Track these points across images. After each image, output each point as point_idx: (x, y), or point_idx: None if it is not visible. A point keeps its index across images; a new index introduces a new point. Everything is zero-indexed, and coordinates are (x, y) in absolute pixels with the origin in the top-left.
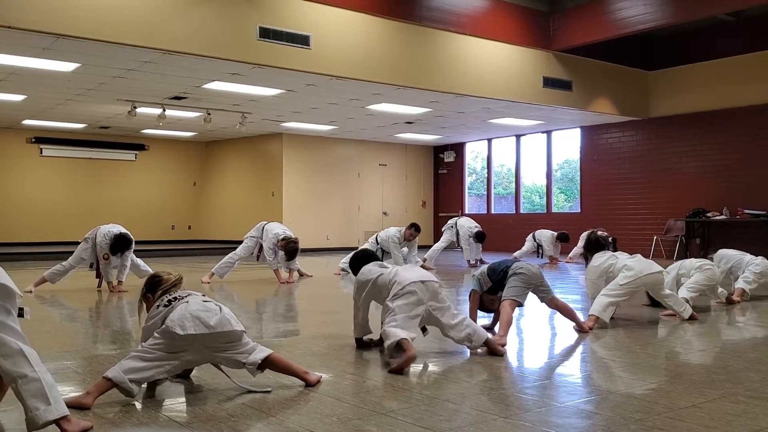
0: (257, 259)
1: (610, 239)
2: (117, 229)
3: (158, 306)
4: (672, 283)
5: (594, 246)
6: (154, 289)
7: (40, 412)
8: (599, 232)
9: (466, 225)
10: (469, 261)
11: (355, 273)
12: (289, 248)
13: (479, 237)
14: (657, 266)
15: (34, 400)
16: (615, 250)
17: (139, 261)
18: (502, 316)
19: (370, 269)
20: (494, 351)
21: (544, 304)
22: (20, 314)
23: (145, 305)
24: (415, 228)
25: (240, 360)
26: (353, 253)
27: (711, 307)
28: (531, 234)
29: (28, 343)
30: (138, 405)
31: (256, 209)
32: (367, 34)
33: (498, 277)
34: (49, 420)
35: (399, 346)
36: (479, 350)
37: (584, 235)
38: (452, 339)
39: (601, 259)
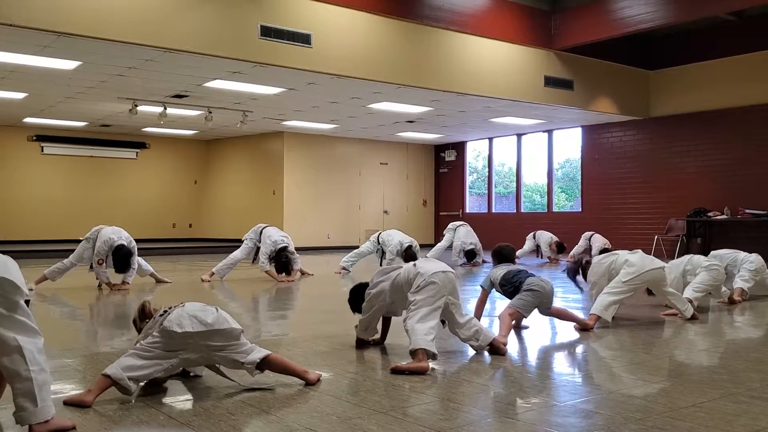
0: (253, 261)
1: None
2: (118, 236)
3: (154, 318)
4: (679, 278)
5: (583, 270)
6: (138, 326)
7: (26, 414)
8: (590, 255)
9: (462, 239)
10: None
11: (356, 309)
12: (280, 265)
13: (468, 256)
14: (658, 262)
15: (23, 399)
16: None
17: (141, 260)
18: (502, 321)
19: (380, 279)
20: (498, 350)
21: (541, 313)
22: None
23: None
24: (405, 256)
25: (238, 360)
26: (349, 291)
27: (712, 307)
28: (531, 233)
29: (36, 333)
30: (138, 403)
31: (257, 208)
32: (368, 33)
33: (509, 290)
34: (32, 422)
35: (415, 352)
36: (483, 350)
37: (586, 235)
38: (459, 336)
39: (600, 257)
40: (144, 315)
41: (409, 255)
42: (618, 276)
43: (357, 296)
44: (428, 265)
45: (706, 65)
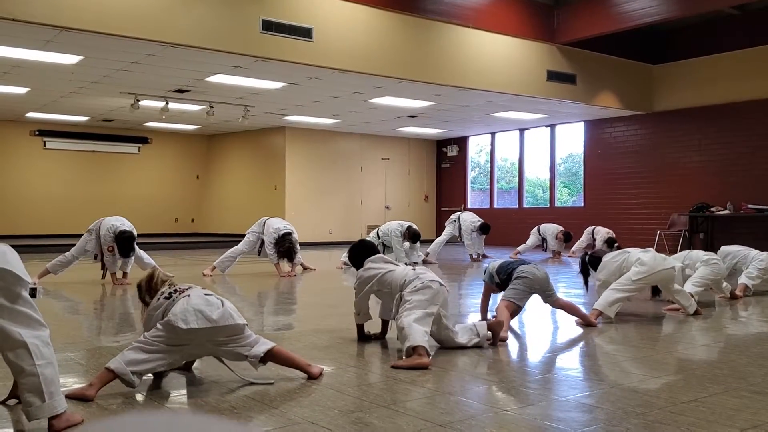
0: (259, 254)
1: (615, 244)
2: (120, 222)
3: (158, 299)
4: (678, 273)
5: (594, 264)
6: (143, 296)
7: (33, 409)
8: (602, 241)
9: (469, 219)
10: (471, 255)
11: (356, 265)
12: (284, 249)
13: (483, 229)
14: (670, 261)
15: (30, 395)
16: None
17: (143, 253)
18: (498, 316)
19: (375, 265)
20: (495, 328)
21: (547, 304)
22: (33, 294)
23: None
24: (410, 236)
25: (242, 353)
26: (352, 246)
27: (715, 302)
28: (536, 228)
29: (40, 325)
30: (140, 396)
31: (259, 203)
32: (369, 27)
33: (504, 277)
34: (39, 417)
35: (415, 348)
36: (486, 343)
37: (588, 230)
38: (459, 342)
39: (611, 256)
40: (151, 286)
41: (412, 233)
42: (628, 273)
43: (358, 252)
44: (427, 272)
45: (710, 59)
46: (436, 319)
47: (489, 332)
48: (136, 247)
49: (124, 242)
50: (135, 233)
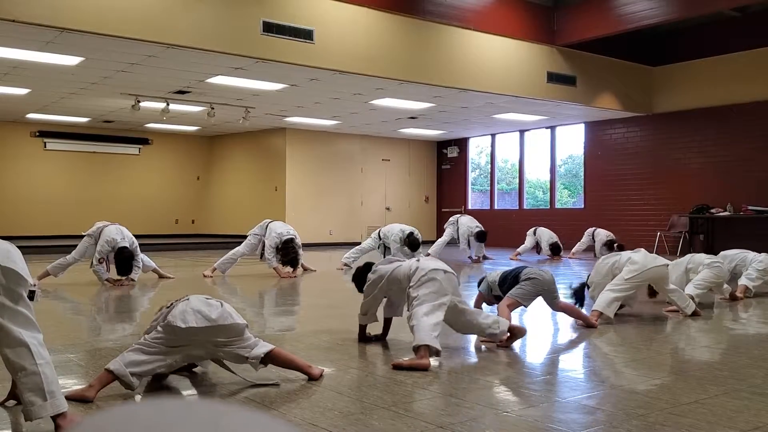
0: (260, 258)
1: (615, 245)
2: (121, 236)
3: (160, 309)
4: (682, 276)
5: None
6: None
7: (35, 408)
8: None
9: (467, 224)
10: (471, 257)
11: (361, 288)
12: (288, 259)
13: (480, 236)
14: (661, 260)
15: (31, 394)
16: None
17: (144, 256)
18: (501, 313)
19: (382, 267)
20: (518, 333)
21: (549, 307)
22: (30, 297)
23: None
24: (409, 244)
25: (242, 354)
26: (355, 269)
27: (715, 303)
28: (532, 230)
29: (36, 328)
30: (140, 398)
31: (260, 204)
32: (370, 29)
33: (508, 285)
34: (41, 416)
35: (418, 348)
36: (490, 342)
37: (588, 231)
38: (478, 330)
39: (603, 258)
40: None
41: (411, 241)
42: (621, 273)
43: (361, 276)
44: (429, 262)
45: (710, 61)
46: (450, 307)
47: (509, 333)
48: (140, 256)
49: (123, 261)
50: (136, 246)
